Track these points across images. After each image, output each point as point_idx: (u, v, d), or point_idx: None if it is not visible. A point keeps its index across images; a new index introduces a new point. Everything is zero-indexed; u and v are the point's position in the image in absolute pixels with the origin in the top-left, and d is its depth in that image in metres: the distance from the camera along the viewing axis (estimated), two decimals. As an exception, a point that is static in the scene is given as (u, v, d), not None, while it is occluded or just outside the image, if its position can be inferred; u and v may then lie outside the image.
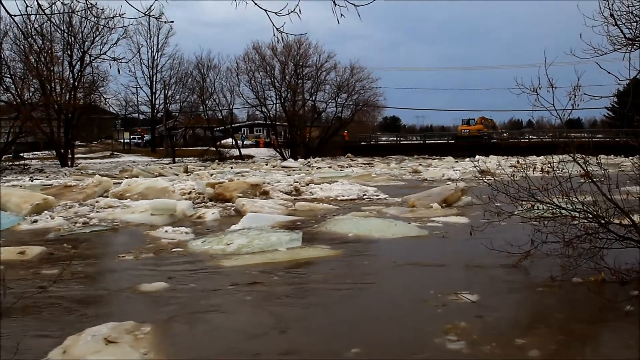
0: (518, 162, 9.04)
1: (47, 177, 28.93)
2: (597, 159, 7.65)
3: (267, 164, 40.08)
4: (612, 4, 8.16)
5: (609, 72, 7.95)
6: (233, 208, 14.92)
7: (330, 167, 35.86)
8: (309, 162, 42.39)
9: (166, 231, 11.32)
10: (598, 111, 70.20)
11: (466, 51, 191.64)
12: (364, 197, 17.30)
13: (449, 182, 19.83)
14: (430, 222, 12.25)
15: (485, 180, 8.44)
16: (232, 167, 37.23)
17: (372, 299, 6.87)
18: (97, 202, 15.54)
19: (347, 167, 36.41)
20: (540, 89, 7.26)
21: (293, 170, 32.76)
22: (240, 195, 16.29)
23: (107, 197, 16.70)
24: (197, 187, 17.67)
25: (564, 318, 6.02)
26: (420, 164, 37.44)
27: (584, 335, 5.64)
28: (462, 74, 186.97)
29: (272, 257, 8.88)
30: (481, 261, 8.38)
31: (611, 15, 8.16)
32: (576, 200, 7.40)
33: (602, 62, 8.25)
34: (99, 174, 25.78)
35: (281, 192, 18.00)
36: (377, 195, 17.49)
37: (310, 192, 18.30)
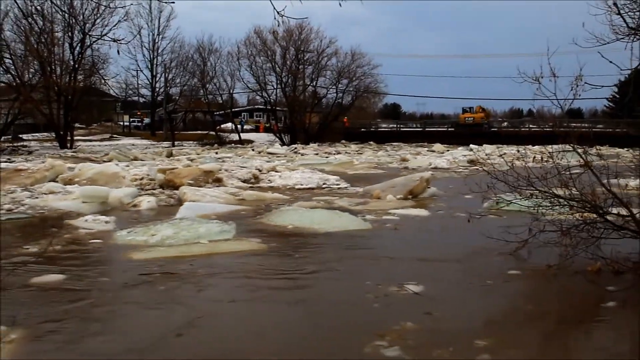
0: (518, 151, 9.02)
1: (27, 159, 27.27)
2: (596, 149, 7.66)
3: (253, 150, 39.43)
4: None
5: (611, 62, 7.96)
6: (177, 196, 14.06)
7: (317, 154, 35.24)
8: (295, 148, 41.73)
9: (86, 220, 10.43)
10: (599, 101, 69.99)
11: (469, 39, 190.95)
12: (324, 186, 16.66)
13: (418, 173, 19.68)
14: (386, 214, 11.62)
15: (484, 169, 8.42)
16: (216, 152, 36.69)
17: (293, 296, 6.25)
18: (41, 187, 14.47)
19: (334, 154, 35.73)
20: (542, 78, 7.26)
21: (277, 157, 32.12)
22: (191, 182, 15.55)
23: (56, 181, 15.71)
24: (150, 173, 16.79)
25: (538, 312, 5.79)
26: (409, 152, 37.21)
27: (556, 334, 5.24)
28: (464, 61, 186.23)
29: (188, 250, 8.28)
30: (432, 255, 8.18)
31: (614, 4, 8.14)
32: (575, 189, 7.40)
33: (604, 52, 8.25)
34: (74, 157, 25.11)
35: (239, 179, 17.23)
36: (337, 185, 16.82)
37: (269, 180, 17.64)
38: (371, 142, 53.69)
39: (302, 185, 16.69)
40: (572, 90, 7.34)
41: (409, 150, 40.65)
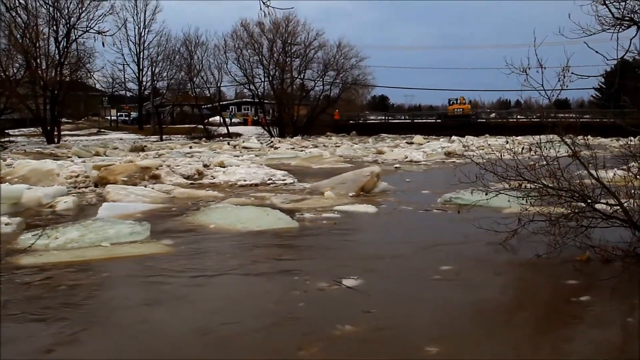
0: (507, 142, 9.08)
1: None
2: (584, 139, 7.72)
3: (229, 144, 38.72)
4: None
5: (597, 52, 7.99)
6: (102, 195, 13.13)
7: (292, 148, 34.49)
8: (272, 142, 41.16)
9: None
10: (585, 92, 70.34)
11: (456, 31, 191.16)
12: (268, 182, 15.81)
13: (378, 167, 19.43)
14: (328, 211, 10.84)
15: (473, 159, 8.44)
16: (190, 147, 36.07)
17: (193, 302, 5.57)
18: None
19: (311, 147, 34.92)
20: (529, 69, 7.29)
21: (251, 151, 31.66)
22: (126, 179, 14.75)
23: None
24: (86, 169, 15.77)
25: (508, 309, 5.48)
26: (387, 145, 37.02)
27: (537, 328, 4.93)
28: (451, 53, 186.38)
29: (85, 255, 7.55)
30: (373, 251, 7.72)
31: (600, -6, 8.17)
32: (563, 179, 7.46)
33: (590, 42, 8.29)
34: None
35: (181, 175, 16.41)
36: (283, 180, 16.00)
37: (212, 176, 16.78)
38: (354, 133, 54.10)
39: (245, 181, 15.88)
40: (559, 81, 7.39)
41: (387, 143, 40.64)
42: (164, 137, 49.92)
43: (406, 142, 40.45)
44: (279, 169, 18.13)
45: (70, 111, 50.96)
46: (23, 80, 39.63)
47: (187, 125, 56.61)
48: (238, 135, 53.74)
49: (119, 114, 70.84)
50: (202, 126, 53.84)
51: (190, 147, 35.42)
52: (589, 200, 7.28)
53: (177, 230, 9.43)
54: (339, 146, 37.07)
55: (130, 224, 9.30)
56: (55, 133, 41.55)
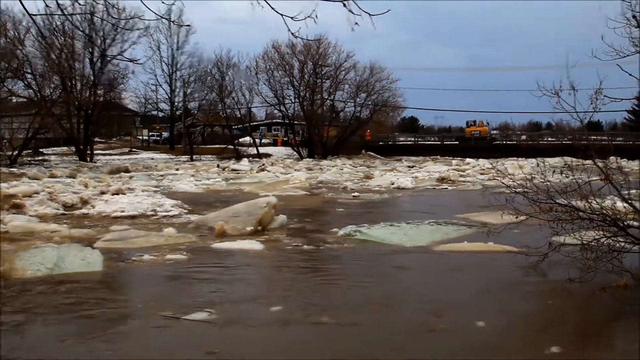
0: (538, 164, 9.00)
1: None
2: (617, 162, 7.61)
3: (218, 166, 37.62)
4: (635, 6, 8.13)
5: (630, 75, 7.91)
6: None
7: (283, 169, 33.43)
8: (263, 164, 39.44)
9: None
10: (618, 114, 69.48)
11: (487, 52, 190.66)
12: (150, 213, 14.14)
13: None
14: (185, 251, 9.52)
15: (503, 182, 8.36)
16: (177, 169, 35.24)
17: None
18: None
19: (303, 169, 33.70)
20: (561, 90, 7.24)
21: (238, 173, 31.01)
22: None
23: None
24: None
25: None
26: (377, 169, 35.37)
27: None
28: (482, 75, 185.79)
29: None
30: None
31: (633, 17, 8.12)
32: (595, 202, 7.34)
33: (623, 65, 8.21)
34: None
35: (63, 204, 15.09)
36: (168, 212, 14.25)
37: (91, 206, 15.10)
38: (363, 152, 55.68)
39: (123, 212, 14.10)
40: (592, 103, 7.32)
41: (391, 165, 40.00)
42: (194, 157, 50.45)
43: (407, 166, 39.29)
44: (176, 199, 16.31)
45: (104, 131, 51.89)
46: (58, 100, 40.52)
47: (217, 146, 57.11)
48: (267, 155, 54.02)
49: (150, 133, 71.81)
50: (232, 146, 54.29)
51: (177, 170, 34.42)
52: (621, 224, 7.15)
53: None
54: (329, 169, 34.79)
55: None
56: (88, 152, 42.34)
